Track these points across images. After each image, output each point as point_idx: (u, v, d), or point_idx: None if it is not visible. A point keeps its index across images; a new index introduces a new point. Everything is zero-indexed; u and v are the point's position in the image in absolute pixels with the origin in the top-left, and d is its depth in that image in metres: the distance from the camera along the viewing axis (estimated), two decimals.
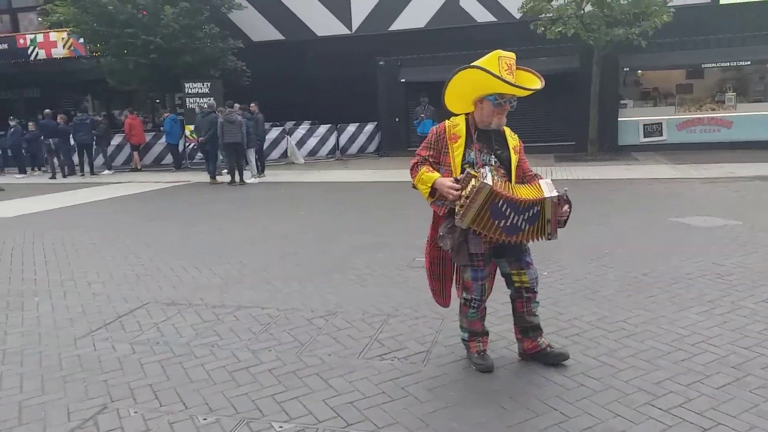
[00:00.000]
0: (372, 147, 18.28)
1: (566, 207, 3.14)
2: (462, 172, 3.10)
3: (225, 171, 13.76)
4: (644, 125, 15.90)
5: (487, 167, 3.08)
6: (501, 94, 3.11)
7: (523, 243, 3.24)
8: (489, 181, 2.92)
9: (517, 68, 3.16)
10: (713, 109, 15.57)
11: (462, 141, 3.19)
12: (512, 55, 3.10)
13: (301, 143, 17.48)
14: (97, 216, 9.57)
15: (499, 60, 3.05)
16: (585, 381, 3.25)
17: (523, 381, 3.27)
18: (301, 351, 3.79)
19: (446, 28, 17.52)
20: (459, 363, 3.54)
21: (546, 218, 3.03)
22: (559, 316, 4.19)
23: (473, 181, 2.95)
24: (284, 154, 17.43)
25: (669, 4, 13.84)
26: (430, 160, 3.24)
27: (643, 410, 2.92)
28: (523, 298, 3.33)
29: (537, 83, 3.16)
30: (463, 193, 2.97)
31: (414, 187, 3.28)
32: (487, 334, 3.50)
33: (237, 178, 13.18)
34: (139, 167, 16.63)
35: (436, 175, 3.15)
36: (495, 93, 3.12)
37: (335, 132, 17.76)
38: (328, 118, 18.06)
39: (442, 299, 3.55)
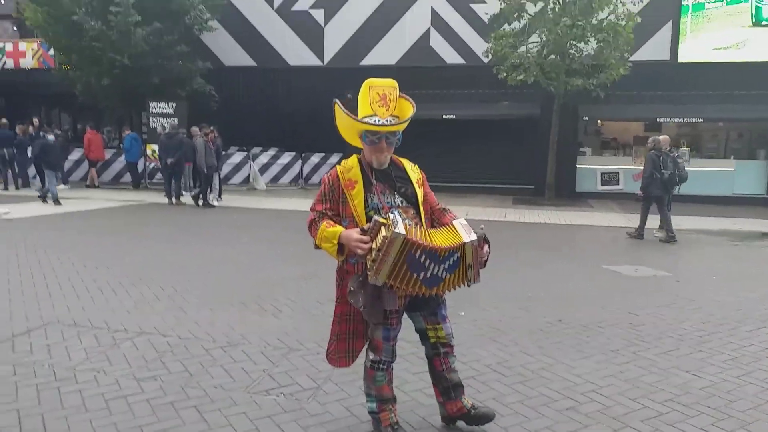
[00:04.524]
0: None
1: (486, 247, 2.78)
2: (368, 221, 2.73)
3: (191, 193, 13.81)
4: (602, 173, 16.26)
5: (395, 211, 2.73)
6: (369, 131, 2.79)
7: (439, 295, 2.91)
8: (401, 229, 2.54)
9: (400, 96, 2.85)
10: None
11: (360, 185, 2.82)
12: (387, 82, 2.81)
13: (264, 169, 17.45)
14: (31, 231, 9.32)
15: (369, 90, 2.78)
16: (463, 427, 3.19)
17: None
18: (187, 382, 3.68)
19: (416, 66, 17.84)
20: (344, 401, 3.47)
21: (467, 263, 2.69)
22: (460, 357, 4.12)
23: (383, 230, 2.57)
24: (246, 179, 17.36)
25: (629, 59, 14.31)
26: (329, 213, 2.83)
27: None
28: (440, 354, 3.01)
29: (408, 112, 2.84)
30: (374, 245, 2.59)
31: (317, 247, 2.86)
32: (396, 400, 3.09)
33: (200, 201, 13.20)
34: (96, 184, 16.35)
35: (340, 228, 2.75)
36: (363, 130, 2.82)
37: (299, 160, 17.79)
38: (294, 146, 18.08)
39: (348, 359, 3.08)
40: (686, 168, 10.18)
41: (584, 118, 16.15)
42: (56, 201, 12.49)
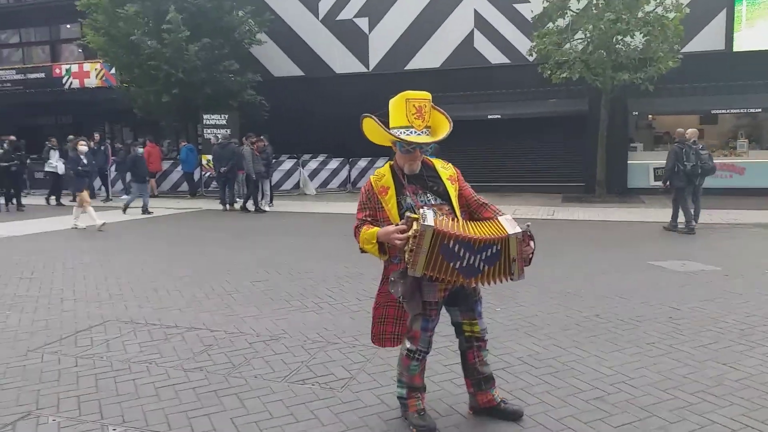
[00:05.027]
0: None
1: (531, 243, 2.86)
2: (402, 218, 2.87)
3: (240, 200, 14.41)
4: (654, 168, 15.81)
5: (426, 207, 2.85)
6: (405, 141, 2.90)
7: (476, 291, 3.10)
8: (430, 221, 2.66)
9: (433, 108, 2.98)
10: (726, 155, 15.41)
11: (392, 190, 2.98)
12: (423, 95, 2.91)
13: (313, 175, 17.91)
14: (97, 238, 9.94)
15: (406, 103, 2.88)
16: (488, 415, 3.28)
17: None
18: (230, 372, 3.93)
19: (461, 68, 17.88)
20: (376, 390, 3.62)
21: (511, 257, 2.78)
22: (493, 350, 4.20)
23: (415, 225, 2.71)
24: (297, 185, 17.85)
25: (680, 51, 13.88)
26: (368, 220, 3.02)
27: None
28: (474, 348, 3.15)
29: (445, 129, 2.97)
30: (410, 233, 2.72)
31: (362, 251, 3.04)
32: (425, 389, 3.24)
33: (249, 206, 13.77)
34: (155, 193, 17.16)
35: (376, 228, 2.92)
36: (398, 140, 2.92)
37: (347, 165, 18.15)
38: (342, 151, 18.44)
39: (393, 341, 3.20)
40: (713, 160, 10.10)
41: (634, 113, 15.76)
42: (145, 210, 13.30)
